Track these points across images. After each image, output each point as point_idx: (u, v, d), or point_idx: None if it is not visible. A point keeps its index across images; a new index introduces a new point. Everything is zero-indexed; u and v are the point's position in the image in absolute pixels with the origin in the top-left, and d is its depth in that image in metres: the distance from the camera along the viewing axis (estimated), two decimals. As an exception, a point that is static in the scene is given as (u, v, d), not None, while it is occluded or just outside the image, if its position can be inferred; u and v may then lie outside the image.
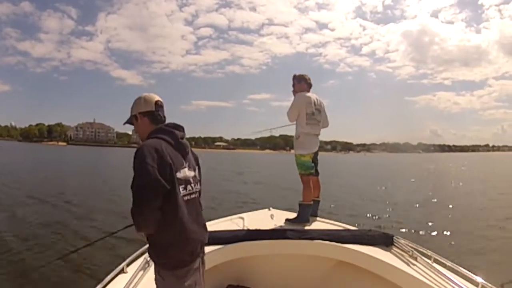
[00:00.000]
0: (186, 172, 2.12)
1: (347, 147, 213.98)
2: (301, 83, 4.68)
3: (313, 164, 4.56)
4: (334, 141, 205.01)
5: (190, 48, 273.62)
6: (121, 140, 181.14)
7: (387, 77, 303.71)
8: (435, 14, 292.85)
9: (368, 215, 12.29)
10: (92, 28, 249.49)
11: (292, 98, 4.60)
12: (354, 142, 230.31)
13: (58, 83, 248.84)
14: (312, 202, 4.45)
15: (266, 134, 4.79)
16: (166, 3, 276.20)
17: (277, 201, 11.26)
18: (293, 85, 4.73)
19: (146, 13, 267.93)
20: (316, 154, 4.66)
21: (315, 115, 4.57)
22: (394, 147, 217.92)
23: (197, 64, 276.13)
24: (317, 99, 4.64)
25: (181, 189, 2.06)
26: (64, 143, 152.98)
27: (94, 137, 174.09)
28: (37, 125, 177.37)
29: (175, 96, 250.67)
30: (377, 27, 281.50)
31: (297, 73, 4.75)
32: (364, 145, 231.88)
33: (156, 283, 2.11)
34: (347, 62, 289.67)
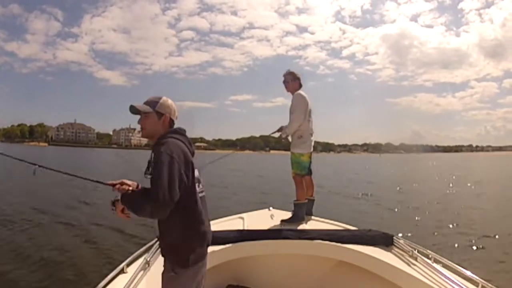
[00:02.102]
0: (197, 172, 2.25)
1: (328, 147, 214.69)
2: (295, 82, 4.65)
3: (308, 165, 4.57)
4: (315, 142, 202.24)
5: (172, 50, 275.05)
6: (102, 141, 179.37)
7: (368, 79, 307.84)
8: (414, 18, 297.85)
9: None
10: (77, 30, 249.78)
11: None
12: (336, 143, 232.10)
13: (43, 83, 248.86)
14: (306, 201, 4.48)
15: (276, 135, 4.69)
16: (149, 6, 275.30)
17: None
18: (286, 81, 4.68)
19: (130, 16, 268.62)
20: (311, 153, 4.67)
21: (311, 113, 4.60)
22: (376, 148, 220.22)
23: (179, 66, 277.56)
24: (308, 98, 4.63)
25: (197, 187, 2.21)
26: (45, 144, 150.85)
27: (75, 137, 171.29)
28: (19, 125, 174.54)
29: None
30: (357, 30, 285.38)
31: (291, 70, 4.71)
32: (345, 145, 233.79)
33: (166, 282, 2.15)
34: (328, 64, 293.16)
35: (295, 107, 4.49)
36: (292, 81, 4.65)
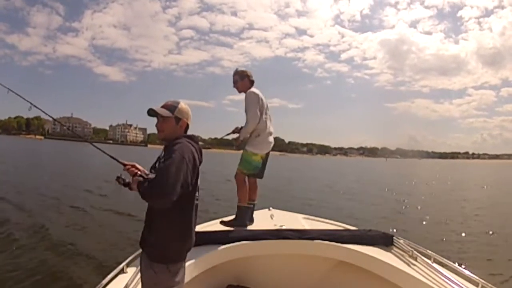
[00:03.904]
0: (198, 181, 2.31)
1: (323, 150, 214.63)
2: (244, 80, 4.38)
3: (258, 167, 4.33)
4: (311, 144, 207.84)
5: (172, 48, 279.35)
6: (98, 135, 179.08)
7: (366, 83, 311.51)
8: (413, 25, 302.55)
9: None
10: (78, 25, 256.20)
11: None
12: (332, 145, 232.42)
13: (42, 77, 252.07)
14: (251, 205, 4.30)
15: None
16: (150, 4, 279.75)
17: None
18: (235, 82, 4.41)
19: (130, 13, 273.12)
20: (267, 155, 4.43)
21: (268, 111, 4.38)
22: (372, 152, 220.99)
23: (178, 64, 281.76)
24: (263, 95, 4.39)
25: (196, 194, 2.28)
26: (41, 137, 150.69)
27: (71, 131, 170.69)
28: (15, 117, 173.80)
29: (155, 94, 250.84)
30: (355, 35, 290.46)
31: (239, 69, 4.46)
32: (341, 148, 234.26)
33: (145, 278, 2.20)
34: (326, 67, 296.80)
35: (248, 107, 4.25)
36: (241, 80, 4.39)
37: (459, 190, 24.82)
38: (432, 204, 16.57)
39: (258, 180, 4.43)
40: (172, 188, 1.97)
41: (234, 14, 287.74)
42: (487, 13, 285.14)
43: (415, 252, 3.29)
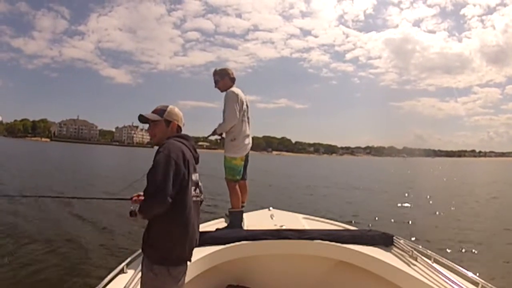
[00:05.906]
0: (197, 176, 2.34)
1: (330, 149, 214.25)
2: (224, 79, 4.30)
3: (241, 169, 4.28)
4: (318, 144, 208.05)
5: (177, 50, 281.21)
6: (104, 137, 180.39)
7: (371, 83, 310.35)
8: (417, 24, 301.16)
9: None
10: (84, 28, 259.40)
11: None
12: (338, 145, 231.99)
13: (48, 80, 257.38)
14: (242, 209, 4.24)
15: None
16: (155, 7, 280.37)
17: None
18: (216, 82, 4.34)
19: (136, 16, 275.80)
20: (247, 155, 4.35)
21: (246, 113, 4.30)
22: (378, 151, 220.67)
23: (184, 66, 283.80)
24: (244, 95, 4.32)
25: (192, 190, 2.26)
26: (47, 139, 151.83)
27: (77, 134, 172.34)
28: (21, 120, 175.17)
29: (162, 96, 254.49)
30: (360, 34, 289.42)
31: (218, 68, 4.40)
32: (348, 148, 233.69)
33: (144, 280, 2.20)
34: (331, 67, 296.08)
35: (226, 106, 4.17)
36: (222, 80, 4.32)
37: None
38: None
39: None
40: (163, 193, 2.01)
41: (239, 16, 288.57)
42: (490, 10, 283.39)
43: (415, 252, 3.27)
